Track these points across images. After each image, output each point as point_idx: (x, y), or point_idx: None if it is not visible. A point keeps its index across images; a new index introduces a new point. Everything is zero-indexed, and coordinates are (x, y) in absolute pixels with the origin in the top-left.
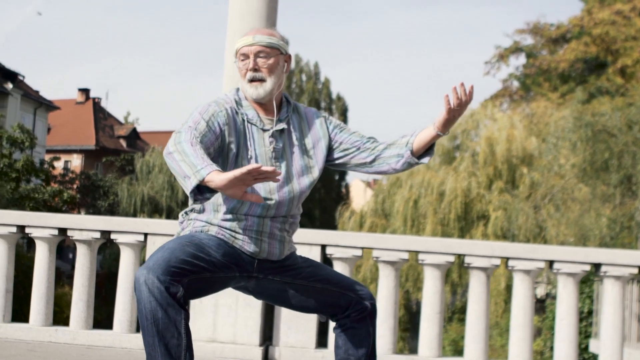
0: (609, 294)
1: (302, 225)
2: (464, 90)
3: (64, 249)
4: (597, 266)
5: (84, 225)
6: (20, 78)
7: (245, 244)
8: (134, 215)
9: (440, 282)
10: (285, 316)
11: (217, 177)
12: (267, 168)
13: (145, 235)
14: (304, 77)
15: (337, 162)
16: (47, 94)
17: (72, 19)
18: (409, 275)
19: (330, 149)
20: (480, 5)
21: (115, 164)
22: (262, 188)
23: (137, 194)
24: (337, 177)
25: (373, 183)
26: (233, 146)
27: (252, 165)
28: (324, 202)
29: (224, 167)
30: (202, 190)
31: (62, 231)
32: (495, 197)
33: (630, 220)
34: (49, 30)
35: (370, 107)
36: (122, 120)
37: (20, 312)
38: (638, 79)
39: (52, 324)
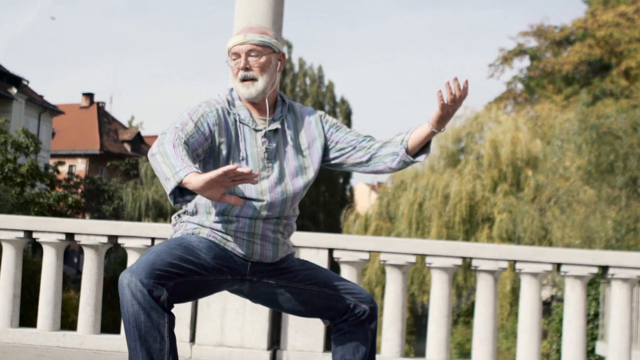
0: (617, 297)
1: (307, 229)
2: (458, 85)
3: (69, 253)
4: (604, 269)
5: (92, 230)
6: (25, 83)
7: (237, 247)
8: (139, 219)
9: (447, 285)
10: (293, 320)
11: (194, 178)
12: (244, 169)
13: (153, 239)
14: (307, 81)
15: (333, 162)
16: (52, 98)
17: (75, 23)
18: (415, 278)
19: (326, 149)
20: (484, 8)
21: (120, 168)
22: (254, 189)
23: (142, 198)
24: (341, 181)
25: (377, 186)
26: (224, 147)
27: (229, 166)
28: (329, 206)
29: (215, 168)
30: (184, 192)
31: (70, 236)
32: (500, 199)
33: (636, 223)
34: (52, 35)
35: (375, 110)
36: (126, 124)
37: (26, 316)
38: None
39: (60, 329)
